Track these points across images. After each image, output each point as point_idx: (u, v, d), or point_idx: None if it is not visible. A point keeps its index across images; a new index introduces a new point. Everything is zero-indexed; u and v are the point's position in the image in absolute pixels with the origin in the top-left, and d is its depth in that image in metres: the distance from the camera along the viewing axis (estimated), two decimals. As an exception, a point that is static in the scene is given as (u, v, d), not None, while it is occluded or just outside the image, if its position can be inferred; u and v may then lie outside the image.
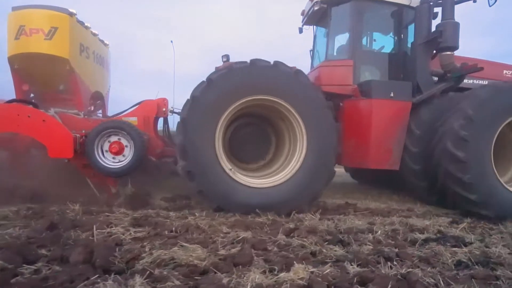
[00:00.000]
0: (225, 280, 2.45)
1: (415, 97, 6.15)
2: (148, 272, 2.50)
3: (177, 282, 2.39)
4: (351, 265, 2.86)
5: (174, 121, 7.28)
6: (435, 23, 6.40)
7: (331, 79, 6.31)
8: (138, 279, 2.37)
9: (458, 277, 2.70)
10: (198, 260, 2.81)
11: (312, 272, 2.61)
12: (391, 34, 6.81)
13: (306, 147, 5.14)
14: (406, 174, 6.14)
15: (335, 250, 3.28)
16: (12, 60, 6.11)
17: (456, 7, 6.15)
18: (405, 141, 6.02)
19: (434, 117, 5.90)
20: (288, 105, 5.09)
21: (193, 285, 2.41)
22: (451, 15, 6.06)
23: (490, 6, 6.16)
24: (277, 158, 5.80)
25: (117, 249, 2.99)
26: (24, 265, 2.59)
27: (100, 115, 7.61)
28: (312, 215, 4.78)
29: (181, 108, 5.78)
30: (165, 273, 2.54)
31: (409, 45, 6.65)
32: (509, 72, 6.96)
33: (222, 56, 6.33)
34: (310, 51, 7.89)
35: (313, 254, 3.20)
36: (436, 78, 6.54)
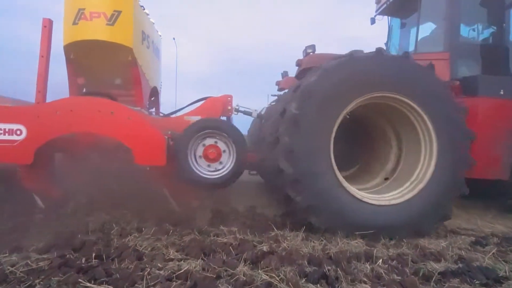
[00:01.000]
0: None
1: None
2: None
3: None
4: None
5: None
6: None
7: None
8: None
9: None
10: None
11: None
12: (491, 22, 6.17)
13: (436, 158, 4.36)
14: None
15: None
16: (68, 49, 5.14)
17: None
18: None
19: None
20: (418, 106, 4.32)
21: None
22: None
23: None
24: (393, 170, 5.02)
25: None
26: None
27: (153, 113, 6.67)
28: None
29: (246, 106, 4.99)
30: None
31: (513, 35, 5.99)
32: None
33: (306, 47, 5.54)
34: (385, 44, 7.24)
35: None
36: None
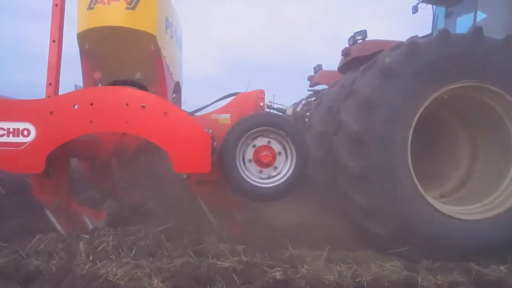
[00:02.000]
0: None
1: None
2: None
3: None
4: None
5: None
6: None
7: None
8: None
9: None
10: None
11: None
12: None
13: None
14: None
15: None
16: (82, 38, 4.36)
17: None
18: None
19: None
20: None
21: None
22: None
23: None
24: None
25: None
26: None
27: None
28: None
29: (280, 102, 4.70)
30: None
31: None
32: None
33: (355, 33, 4.79)
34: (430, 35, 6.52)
35: None
36: None
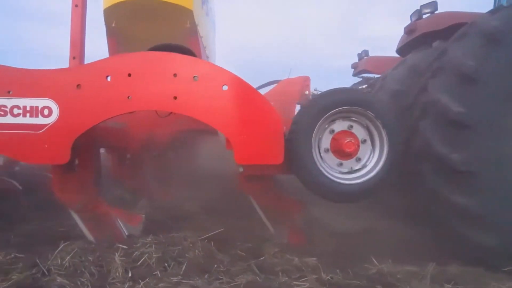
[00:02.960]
0: None
1: None
2: None
3: None
4: None
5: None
6: None
7: None
8: None
9: None
10: None
11: None
12: None
13: None
14: None
15: None
16: (109, 14, 3.74)
17: None
18: None
19: None
20: None
21: None
22: None
23: None
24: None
25: None
26: None
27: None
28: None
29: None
30: None
31: None
32: None
33: (422, 6, 4.08)
34: None
35: None
36: None
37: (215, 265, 2.55)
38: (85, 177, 2.74)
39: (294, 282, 2.36)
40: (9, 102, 2.34)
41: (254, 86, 2.87)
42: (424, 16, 4.58)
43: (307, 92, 4.37)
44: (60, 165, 2.65)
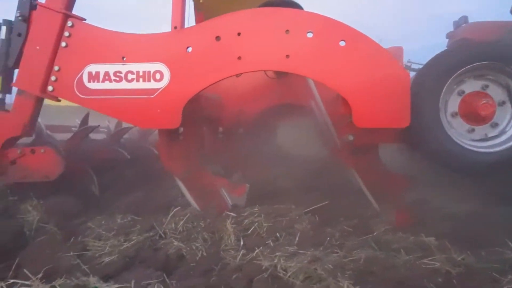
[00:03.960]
0: None
1: None
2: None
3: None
4: None
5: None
6: None
7: None
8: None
9: None
10: None
11: None
12: None
13: None
14: None
15: None
16: None
17: None
18: None
19: None
20: None
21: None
22: None
23: None
24: None
25: None
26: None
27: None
28: None
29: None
30: None
31: None
32: None
33: None
34: None
35: None
36: None
37: (328, 238, 2.37)
38: (190, 145, 2.71)
39: (423, 261, 2.08)
40: (123, 68, 2.36)
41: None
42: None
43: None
44: (167, 133, 2.67)
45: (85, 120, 3.13)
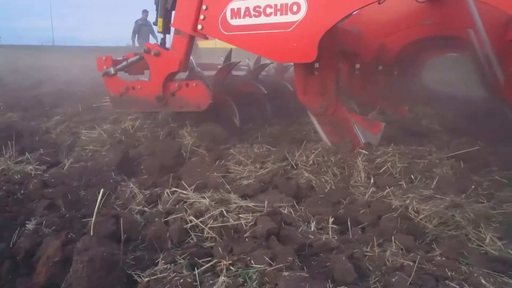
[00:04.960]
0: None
1: None
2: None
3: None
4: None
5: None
6: None
7: None
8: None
9: None
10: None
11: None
12: None
13: None
14: None
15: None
16: None
17: None
18: None
19: None
20: None
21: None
22: None
23: None
24: None
25: None
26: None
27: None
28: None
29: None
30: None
31: None
32: None
33: None
34: None
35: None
36: None
37: (472, 187, 2.12)
38: (326, 80, 2.68)
39: None
40: (262, 2, 2.40)
41: None
42: None
43: None
44: (302, 68, 2.68)
45: (228, 57, 3.35)
